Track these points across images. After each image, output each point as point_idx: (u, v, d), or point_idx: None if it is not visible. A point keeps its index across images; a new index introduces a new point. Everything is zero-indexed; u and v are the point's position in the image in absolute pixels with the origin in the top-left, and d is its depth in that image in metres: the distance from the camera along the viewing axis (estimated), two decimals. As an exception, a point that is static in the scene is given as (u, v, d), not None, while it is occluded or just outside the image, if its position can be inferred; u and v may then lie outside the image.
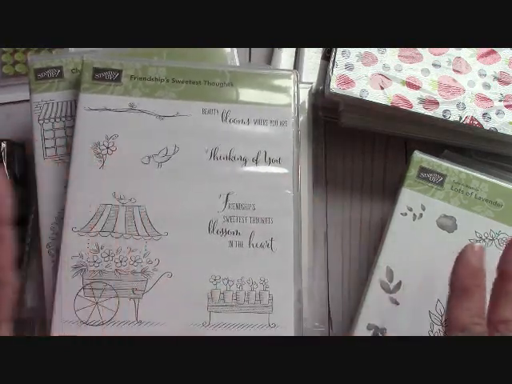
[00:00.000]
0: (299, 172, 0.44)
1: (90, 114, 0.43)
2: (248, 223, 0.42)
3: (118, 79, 0.44)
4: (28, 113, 0.46)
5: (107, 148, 0.43)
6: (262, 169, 0.43)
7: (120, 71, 0.44)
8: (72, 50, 0.52)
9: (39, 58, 0.46)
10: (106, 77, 0.44)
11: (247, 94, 0.45)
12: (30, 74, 0.46)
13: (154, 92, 0.44)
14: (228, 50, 0.49)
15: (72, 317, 0.39)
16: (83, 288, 0.40)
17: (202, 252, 0.41)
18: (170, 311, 0.40)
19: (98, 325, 0.40)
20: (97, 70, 0.44)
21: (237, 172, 0.43)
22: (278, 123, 0.44)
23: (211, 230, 0.42)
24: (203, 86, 0.45)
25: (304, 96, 0.49)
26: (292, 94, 0.45)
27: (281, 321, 0.41)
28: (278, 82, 0.46)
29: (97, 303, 0.40)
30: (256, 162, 0.43)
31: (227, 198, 0.42)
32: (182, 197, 0.42)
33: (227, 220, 0.42)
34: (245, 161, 0.43)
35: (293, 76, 0.46)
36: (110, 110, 0.43)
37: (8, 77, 0.54)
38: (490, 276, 0.42)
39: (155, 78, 0.45)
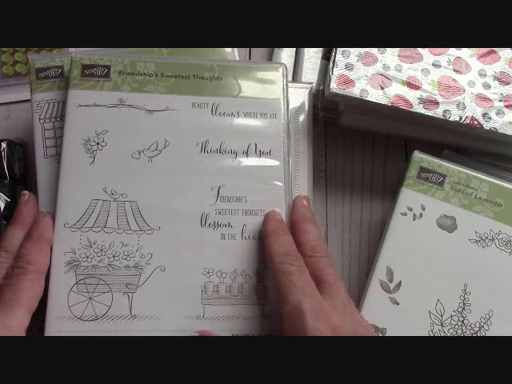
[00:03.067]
0: (290, 164, 0.44)
1: (79, 110, 0.43)
2: (240, 216, 0.42)
3: (107, 75, 0.44)
4: (28, 113, 0.46)
5: (97, 144, 0.43)
6: (253, 161, 0.43)
7: (108, 67, 0.44)
8: (72, 49, 0.52)
9: (40, 58, 0.46)
10: (94, 73, 0.44)
11: (236, 88, 0.45)
12: (30, 74, 0.45)
13: (142, 87, 0.44)
14: (228, 49, 0.49)
15: (66, 312, 0.39)
16: (76, 283, 0.40)
17: (194, 245, 0.41)
18: (163, 305, 0.40)
19: (92, 320, 0.39)
20: (85, 67, 0.44)
21: (228, 165, 0.43)
22: (268, 116, 0.44)
23: (203, 223, 0.42)
24: (192, 80, 0.45)
25: (304, 96, 0.49)
26: (281, 86, 0.45)
27: (275, 312, 0.41)
28: (266, 75, 0.46)
29: (90, 298, 0.40)
30: (247, 154, 0.43)
31: (219, 191, 0.42)
32: (174, 191, 0.42)
33: (219, 213, 0.42)
34: (235, 154, 0.43)
35: (281, 69, 0.46)
36: (99, 105, 0.43)
37: (8, 77, 0.54)
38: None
39: (144, 72, 0.45)
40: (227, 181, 0.43)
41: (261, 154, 0.43)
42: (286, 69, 0.46)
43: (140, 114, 0.44)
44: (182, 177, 0.43)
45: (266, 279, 0.41)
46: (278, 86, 0.45)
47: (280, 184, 0.43)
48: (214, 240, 0.42)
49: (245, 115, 0.44)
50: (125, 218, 0.41)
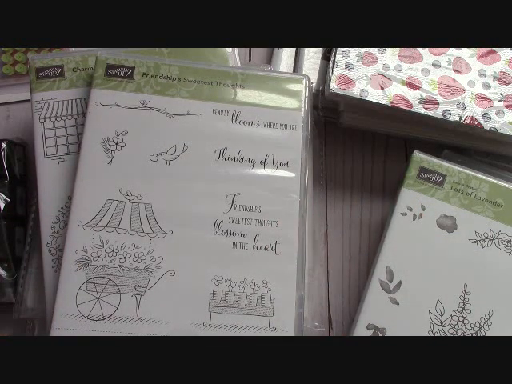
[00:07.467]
0: (306, 176, 0.44)
1: (100, 110, 0.43)
2: (253, 225, 0.42)
3: (131, 76, 0.44)
4: (28, 113, 0.46)
5: (116, 144, 0.43)
6: (270, 172, 0.43)
7: (133, 68, 0.45)
8: (72, 49, 0.52)
9: (40, 57, 0.46)
10: (118, 73, 0.44)
11: (258, 97, 0.45)
12: (31, 73, 0.46)
13: (165, 90, 0.44)
14: (229, 49, 0.49)
15: (73, 310, 0.39)
16: (86, 282, 0.40)
17: (205, 252, 0.41)
18: (171, 310, 0.40)
19: (99, 320, 0.40)
20: (110, 67, 0.44)
21: (244, 174, 0.43)
22: (288, 127, 0.44)
23: (216, 230, 0.42)
24: (215, 86, 0.45)
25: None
26: (303, 98, 0.45)
27: (281, 325, 0.40)
28: (289, 86, 0.46)
29: (98, 298, 0.40)
30: (264, 164, 0.43)
31: (233, 200, 0.42)
32: (189, 196, 0.42)
33: (232, 221, 0.42)
34: (253, 163, 0.43)
35: (304, 80, 0.46)
36: (120, 106, 0.44)
37: (8, 77, 0.54)
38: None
39: (167, 76, 0.45)
40: (243, 189, 0.43)
41: (278, 164, 0.44)
42: (309, 80, 0.46)
43: (161, 117, 0.44)
44: (198, 182, 0.43)
45: (274, 291, 0.41)
46: (300, 97, 0.45)
47: (295, 196, 0.43)
48: (226, 248, 0.42)
49: (265, 125, 0.44)
50: (138, 220, 0.42)
